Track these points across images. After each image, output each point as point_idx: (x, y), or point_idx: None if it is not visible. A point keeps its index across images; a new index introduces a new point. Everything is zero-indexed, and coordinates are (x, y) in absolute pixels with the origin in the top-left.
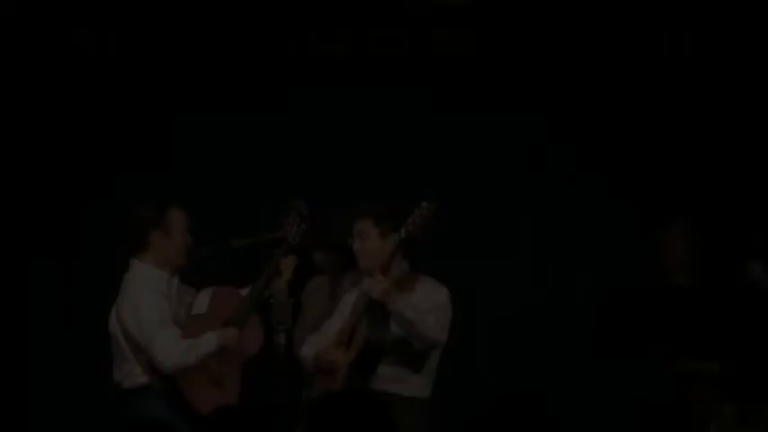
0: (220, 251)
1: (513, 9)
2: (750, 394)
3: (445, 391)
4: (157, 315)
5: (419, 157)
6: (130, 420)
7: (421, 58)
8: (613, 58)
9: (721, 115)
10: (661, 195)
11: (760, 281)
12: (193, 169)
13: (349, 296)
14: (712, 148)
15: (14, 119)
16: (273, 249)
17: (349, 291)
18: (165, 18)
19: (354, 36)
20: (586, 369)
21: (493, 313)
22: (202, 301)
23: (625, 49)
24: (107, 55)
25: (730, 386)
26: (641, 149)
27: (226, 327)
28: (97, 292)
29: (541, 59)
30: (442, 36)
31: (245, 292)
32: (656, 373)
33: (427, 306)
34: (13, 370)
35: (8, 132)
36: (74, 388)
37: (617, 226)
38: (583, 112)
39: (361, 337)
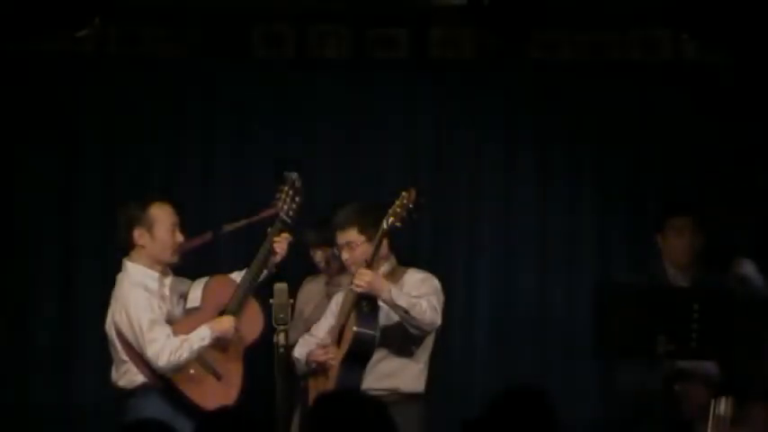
0: (213, 241)
1: (512, 9)
2: (743, 393)
3: (445, 392)
4: (148, 314)
5: (419, 156)
6: (128, 421)
7: (421, 58)
8: (612, 58)
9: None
10: (661, 195)
11: (750, 279)
12: (193, 170)
13: (338, 296)
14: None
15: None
16: (267, 228)
17: (338, 291)
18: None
19: (354, 36)
20: (586, 369)
21: (493, 313)
22: (195, 293)
23: (622, 49)
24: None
25: (724, 385)
26: (640, 148)
27: (221, 317)
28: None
29: (541, 59)
30: (441, 36)
31: (239, 277)
32: (654, 373)
33: (417, 293)
34: (12, 368)
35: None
36: (74, 387)
37: (618, 225)
38: (583, 112)
39: (350, 335)
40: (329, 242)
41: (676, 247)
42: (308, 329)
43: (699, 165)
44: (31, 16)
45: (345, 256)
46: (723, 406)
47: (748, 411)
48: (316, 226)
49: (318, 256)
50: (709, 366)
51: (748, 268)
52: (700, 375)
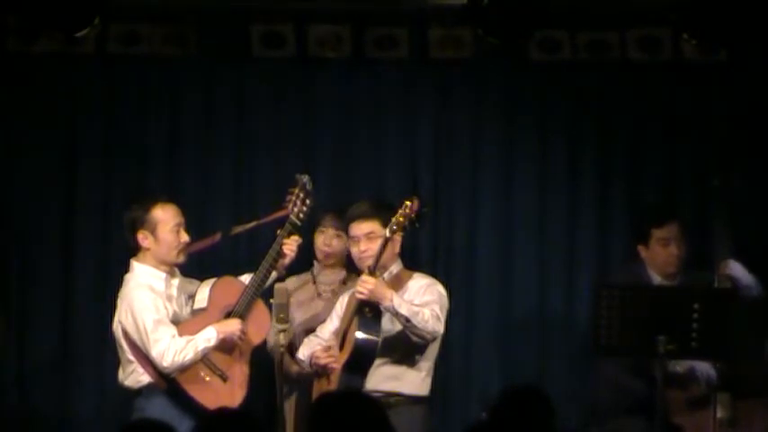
0: (222, 241)
1: (512, 9)
2: (742, 393)
3: (446, 392)
4: (152, 315)
5: (419, 156)
6: (133, 420)
7: (421, 58)
8: (612, 58)
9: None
10: (661, 195)
11: (739, 279)
12: (193, 170)
13: (344, 298)
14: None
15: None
16: (276, 230)
17: (343, 293)
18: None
19: (354, 36)
20: (586, 369)
21: (493, 313)
22: (203, 294)
23: (622, 49)
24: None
25: (722, 386)
26: (640, 148)
27: (227, 319)
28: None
29: (541, 59)
30: (441, 36)
31: (248, 279)
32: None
33: (421, 300)
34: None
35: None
36: (74, 390)
37: (618, 225)
38: (583, 112)
39: (352, 340)
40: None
41: (664, 258)
42: (307, 332)
43: (699, 164)
44: (31, 16)
45: (363, 246)
46: (720, 406)
47: (747, 411)
48: (337, 212)
49: (335, 242)
50: (706, 368)
51: (736, 268)
52: (689, 377)
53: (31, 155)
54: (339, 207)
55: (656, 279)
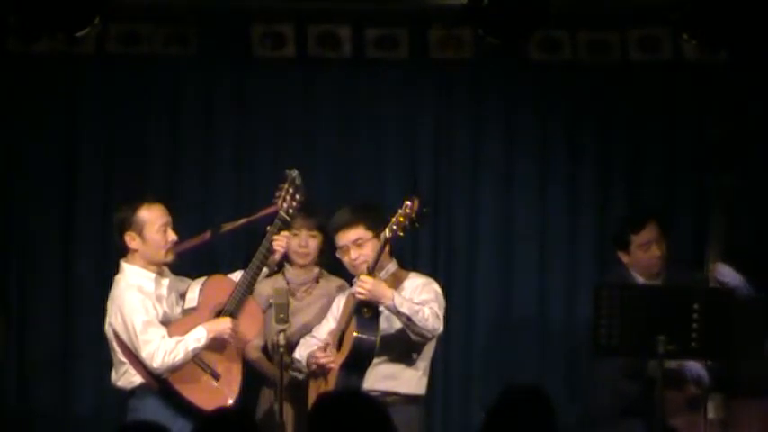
0: (212, 240)
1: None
2: (737, 392)
3: (445, 392)
4: (141, 316)
5: (419, 156)
6: (126, 422)
7: (421, 58)
8: (612, 58)
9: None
10: (661, 195)
11: (729, 283)
12: (193, 170)
13: (340, 299)
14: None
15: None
16: (267, 227)
17: (339, 294)
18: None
19: (354, 36)
20: (586, 369)
21: (493, 313)
22: (193, 293)
23: (622, 49)
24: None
25: (715, 385)
26: (640, 148)
27: (218, 317)
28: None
29: (541, 59)
30: (441, 36)
31: (238, 277)
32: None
33: (419, 299)
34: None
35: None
36: (73, 390)
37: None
38: (583, 112)
39: (350, 340)
40: (322, 230)
41: (646, 261)
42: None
43: (699, 164)
44: (32, 16)
45: (354, 254)
46: (713, 407)
47: (740, 412)
48: (312, 212)
49: (311, 243)
50: (696, 367)
51: (724, 272)
52: (684, 377)
53: (31, 155)
54: (307, 208)
55: (640, 280)
